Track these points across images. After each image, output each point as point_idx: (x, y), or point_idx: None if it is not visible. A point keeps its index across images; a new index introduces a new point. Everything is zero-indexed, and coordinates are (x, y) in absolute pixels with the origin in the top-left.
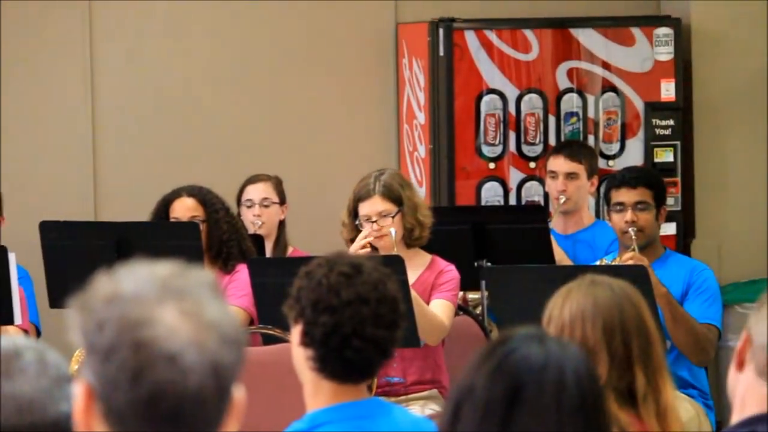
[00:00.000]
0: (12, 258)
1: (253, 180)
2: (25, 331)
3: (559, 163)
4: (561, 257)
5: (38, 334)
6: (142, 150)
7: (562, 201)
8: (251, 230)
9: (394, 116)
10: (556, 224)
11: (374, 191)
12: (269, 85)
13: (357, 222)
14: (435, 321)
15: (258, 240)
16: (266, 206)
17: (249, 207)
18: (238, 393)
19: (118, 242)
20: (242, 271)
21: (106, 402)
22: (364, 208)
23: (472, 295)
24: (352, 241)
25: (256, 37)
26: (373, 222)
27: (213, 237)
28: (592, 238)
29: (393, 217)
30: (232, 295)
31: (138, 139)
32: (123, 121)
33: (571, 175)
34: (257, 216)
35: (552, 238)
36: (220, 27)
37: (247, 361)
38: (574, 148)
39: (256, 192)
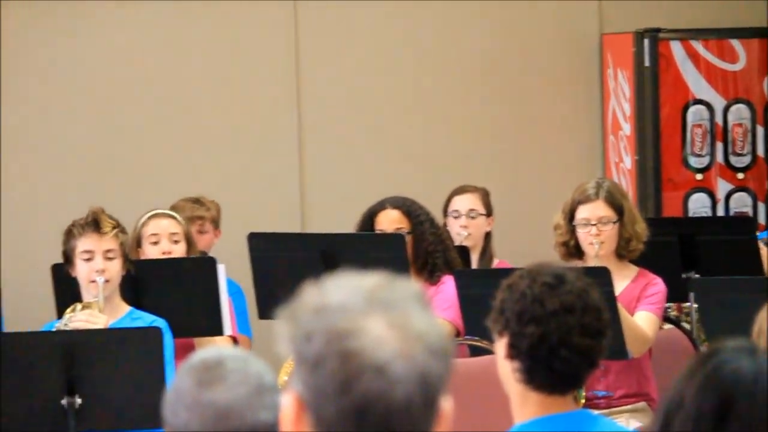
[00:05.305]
0: (221, 269)
1: (460, 191)
2: (234, 341)
3: None
4: None
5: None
6: (348, 163)
7: None
8: (457, 241)
9: (599, 127)
10: None
11: (597, 195)
12: (478, 94)
13: (573, 224)
14: (638, 332)
15: (463, 251)
16: (473, 218)
17: (455, 218)
18: (446, 404)
19: (324, 254)
20: (448, 283)
21: (315, 412)
22: (585, 212)
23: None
24: (564, 244)
25: (465, 43)
26: (592, 225)
27: (418, 248)
28: None
29: (614, 223)
30: (438, 307)
31: (344, 152)
32: (328, 135)
33: None
34: (464, 227)
35: (762, 248)
36: (430, 35)
37: (454, 373)
38: None
39: (463, 203)
